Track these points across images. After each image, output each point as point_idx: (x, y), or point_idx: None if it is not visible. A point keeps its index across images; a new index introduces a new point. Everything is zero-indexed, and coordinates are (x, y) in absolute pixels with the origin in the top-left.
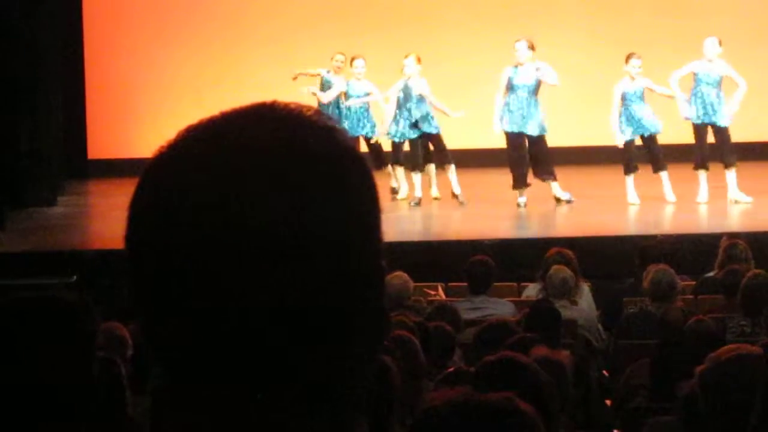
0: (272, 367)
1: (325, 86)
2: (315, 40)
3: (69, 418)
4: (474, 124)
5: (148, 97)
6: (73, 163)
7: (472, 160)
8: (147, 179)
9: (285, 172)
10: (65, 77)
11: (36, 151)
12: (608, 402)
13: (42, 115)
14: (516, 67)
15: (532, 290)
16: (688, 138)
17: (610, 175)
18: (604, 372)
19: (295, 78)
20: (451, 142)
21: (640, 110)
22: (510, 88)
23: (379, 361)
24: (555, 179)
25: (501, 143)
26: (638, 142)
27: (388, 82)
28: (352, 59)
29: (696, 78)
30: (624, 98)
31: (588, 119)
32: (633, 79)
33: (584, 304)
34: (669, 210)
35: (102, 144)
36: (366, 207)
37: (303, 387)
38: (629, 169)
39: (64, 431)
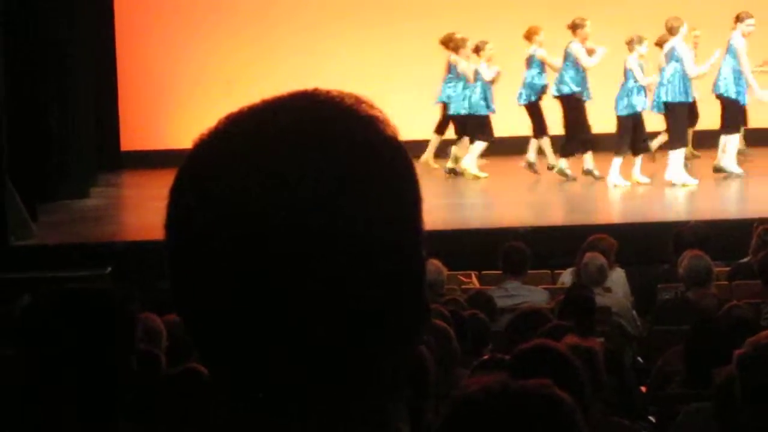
0: (315, 362)
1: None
2: (344, 31)
3: (109, 411)
4: (507, 112)
5: (179, 88)
6: (106, 154)
7: (505, 147)
8: (188, 167)
9: (328, 162)
10: (97, 69)
11: (68, 143)
12: (643, 388)
13: (74, 108)
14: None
15: (567, 276)
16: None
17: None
18: (639, 359)
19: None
20: (497, 130)
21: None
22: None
23: (417, 350)
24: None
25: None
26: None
27: (425, 71)
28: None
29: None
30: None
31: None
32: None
33: (619, 291)
34: (700, 195)
35: (135, 135)
36: (407, 197)
37: (346, 380)
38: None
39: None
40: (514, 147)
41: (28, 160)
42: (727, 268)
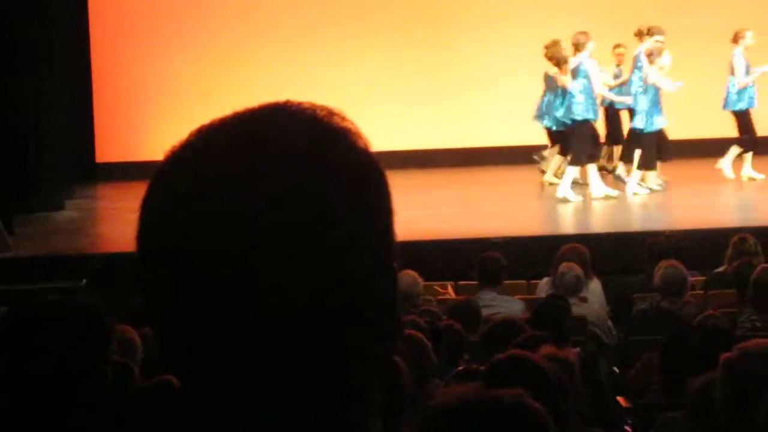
0: (289, 373)
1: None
2: (322, 41)
3: (84, 422)
4: (481, 122)
5: (155, 100)
6: (81, 167)
7: (483, 157)
8: (159, 179)
9: (300, 175)
10: (72, 81)
11: (44, 155)
12: (619, 398)
13: (49, 119)
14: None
15: (544, 286)
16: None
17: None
18: (615, 368)
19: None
20: (472, 141)
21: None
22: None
23: (390, 361)
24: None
25: (512, 141)
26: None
27: (397, 82)
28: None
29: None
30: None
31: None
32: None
33: (595, 301)
34: (673, 205)
35: (110, 147)
36: (380, 209)
37: (318, 390)
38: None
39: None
40: (490, 157)
41: (3, 172)
42: (703, 278)
